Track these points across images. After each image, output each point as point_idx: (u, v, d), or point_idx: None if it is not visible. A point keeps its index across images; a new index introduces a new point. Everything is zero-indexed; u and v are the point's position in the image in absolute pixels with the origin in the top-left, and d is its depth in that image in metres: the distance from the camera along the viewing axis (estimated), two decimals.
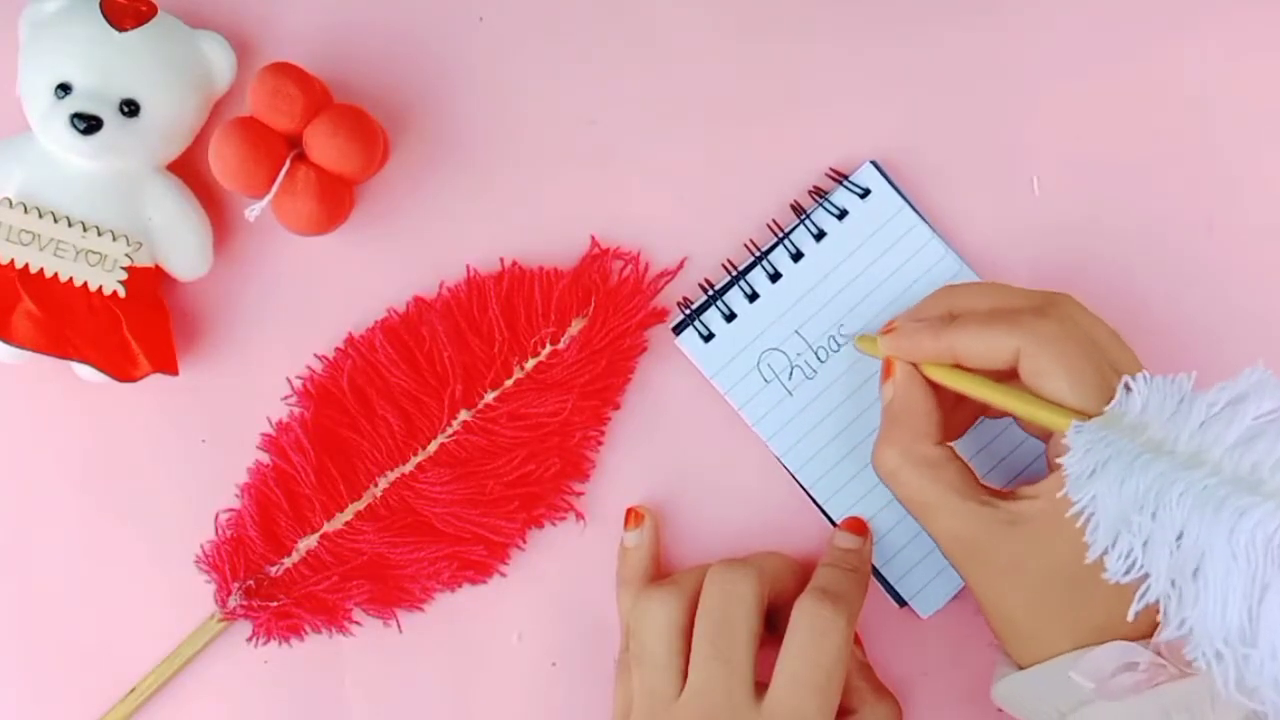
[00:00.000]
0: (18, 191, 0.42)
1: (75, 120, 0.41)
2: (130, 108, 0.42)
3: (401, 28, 0.46)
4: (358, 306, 0.45)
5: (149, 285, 0.43)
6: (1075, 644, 0.35)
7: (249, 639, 0.44)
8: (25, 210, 0.42)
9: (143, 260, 0.43)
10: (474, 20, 0.46)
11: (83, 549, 0.45)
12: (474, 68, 0.46)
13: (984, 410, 0.41)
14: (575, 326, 0.44)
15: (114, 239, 0.42)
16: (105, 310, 0.42)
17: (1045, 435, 0.38)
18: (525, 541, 0.44)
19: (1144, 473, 0.30)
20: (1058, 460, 0.33)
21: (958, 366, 0.38)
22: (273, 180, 0.41)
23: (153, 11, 0.43)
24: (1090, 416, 0.34)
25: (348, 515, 0.44)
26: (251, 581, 0.43)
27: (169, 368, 0.43)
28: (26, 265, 0.42)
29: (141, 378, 0.43)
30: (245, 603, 0.43)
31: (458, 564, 0.44)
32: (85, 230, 0.42)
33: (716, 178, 0.45)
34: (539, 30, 0.46)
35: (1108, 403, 0.34)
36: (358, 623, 0.44)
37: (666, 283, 0.45)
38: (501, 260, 0.45)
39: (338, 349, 0.45)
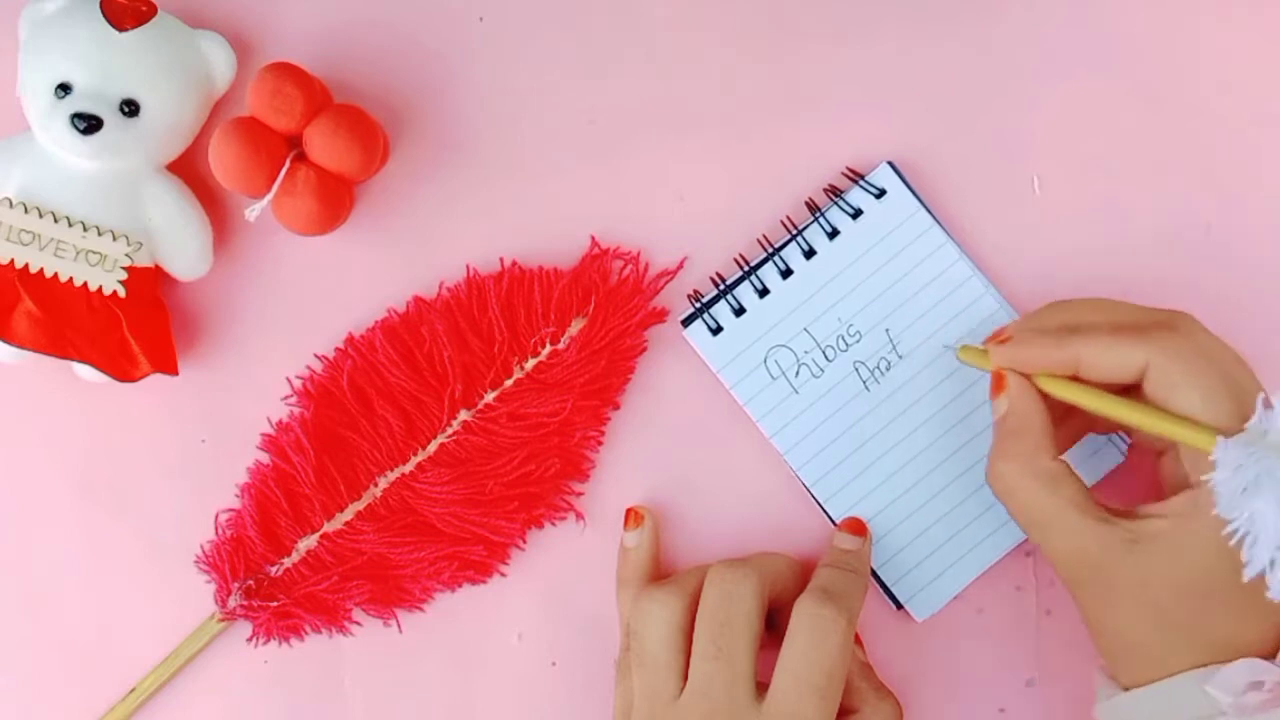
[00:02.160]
0: (18, 191, 0.42)
1: (75, 120, 0.41)
2: (130, 108, 0.42)
3: (401, 28, 0.46)
4: (358, 306, 0.45)
5: (149, 285, 0.43)
6: (1195, 662, 0.35)
7: (249, 639, 0.44)
8: (25, 210, 0.42)
9: (143, 260, 0.43)
10: (474, 20, 0.46)
11: (82, 548, 0.45)
12: (474, 68, 0.46)
13: (1091, 425, 0.41)
14: (575, 326, 0.44)
15: (114, 239, 0.42)
16: (105, 310, 0.42)
17: (1157, 452, 0.38)
18: (525, 541, 0.44)
19: None
20: (1204, 478, 0.33)
21: (1075, 380, 0.37)
22: (272, 180, 0.41)
23: (153, 11, 0.43)
24: (1227, 433, 0.33)
25: (348, 515, 0.44)
26: (251, 581, 0.43)
27: (169, 368, 0.43)
28: (26, 265, 0.42)
29: (141, 378, 0.43)
30: (245, 603, 0.43)
31: (458, 564, 0.44)
32: (85, 230, 0.42)
33: (719, 177, 0.45)
34: (539, 30, 0.46)
35: (1239, 419, 0.33)
36: (358, 623, 0.44)
37: (666, 283, 0.45)
38: (501, 260, 0.45)
39: (338, 349, 0.45)
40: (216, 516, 0.44)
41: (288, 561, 0.44)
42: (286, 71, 0.41)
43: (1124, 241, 0.45)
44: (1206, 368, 0.35)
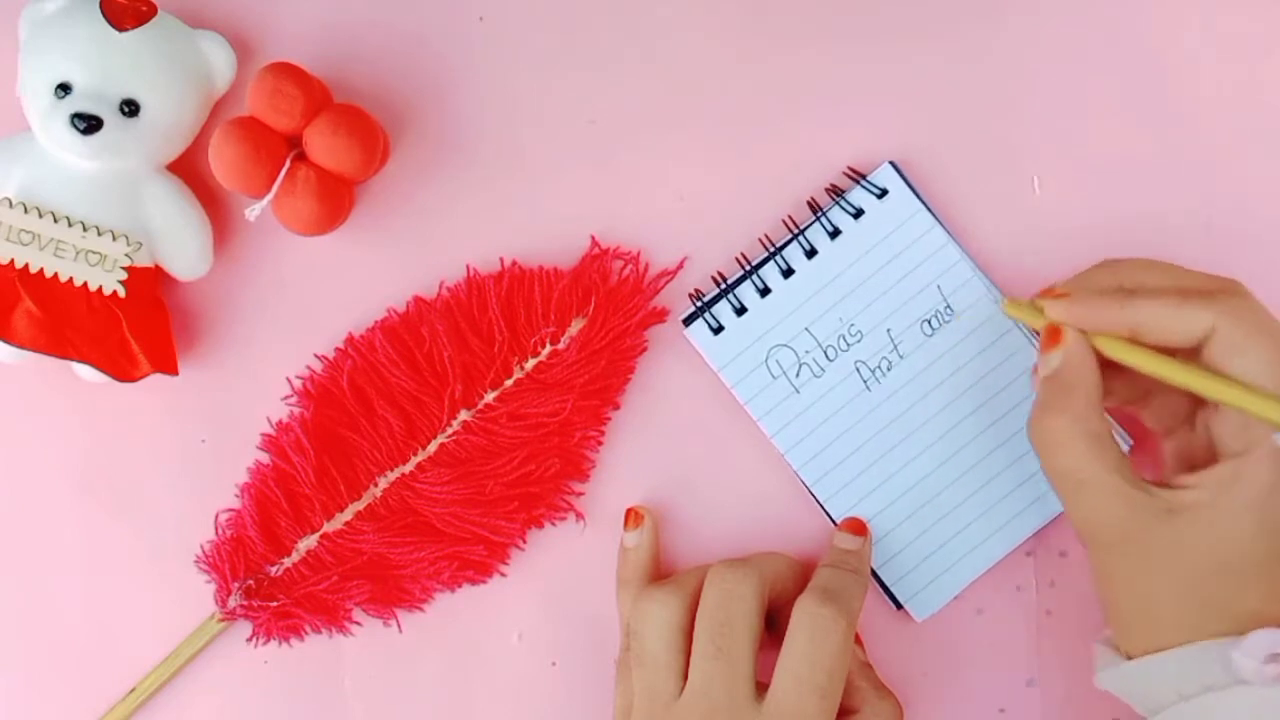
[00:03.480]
0: (17, 191, 0.42)
1: (75, 120, 0.41)
2: (130, 108, 0.42)
3: (402, 27, 0.46)
4: (358, 306, 0.45)
5: (149, 285, 0.43)
6: (1215, 632, 0.34)
7: (249, 639, 0.44)
8: (25, 210, 0.42)
9: (142, 260, 0.43)
10: (474, 20, 0.46)
11: (82, 548, 0.45)
12: (474, 67, 0.46)
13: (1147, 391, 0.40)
14: (575, 326, 0.44)
15: (114, 239, 0.42)
16: (105, 310, 0.42)
17: (1166, 429, 0.38)
18: (525, 541, 0.44)
19: None
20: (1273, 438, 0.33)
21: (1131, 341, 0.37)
22: (273, 180, 0.41)
23: (153, 11, 0.43)
24: None
25: (348, 515, 0.44)
26: (251, 581, 0.43)
27: (169, 367, 0.43)
28: (26, 265, 0.42)
29: (141, 377, 0.43)
30: (245, 603, 0.43)
31: (458, 564, 0.44)
32: (85, 230, 0.42)
33: (719, 177, 0.45)
34: (539, 29, 0.46)
35: None
36: (358, 623, 0.44)
37: (666, 283, 0.45)
38: (501, 260, 0.45)
39: (338, 349, 0.45)
40: (216, 516, 0.44)
41: (288, 561, 0.44)
42: (286, 71, 0.41)
43: (1124, 241, 0.45)
44: (1268, 335, 0.35)
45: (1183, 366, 0.36)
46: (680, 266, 0.45)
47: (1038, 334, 0.40)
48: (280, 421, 0.45)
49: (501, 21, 0.46)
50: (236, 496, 0.45)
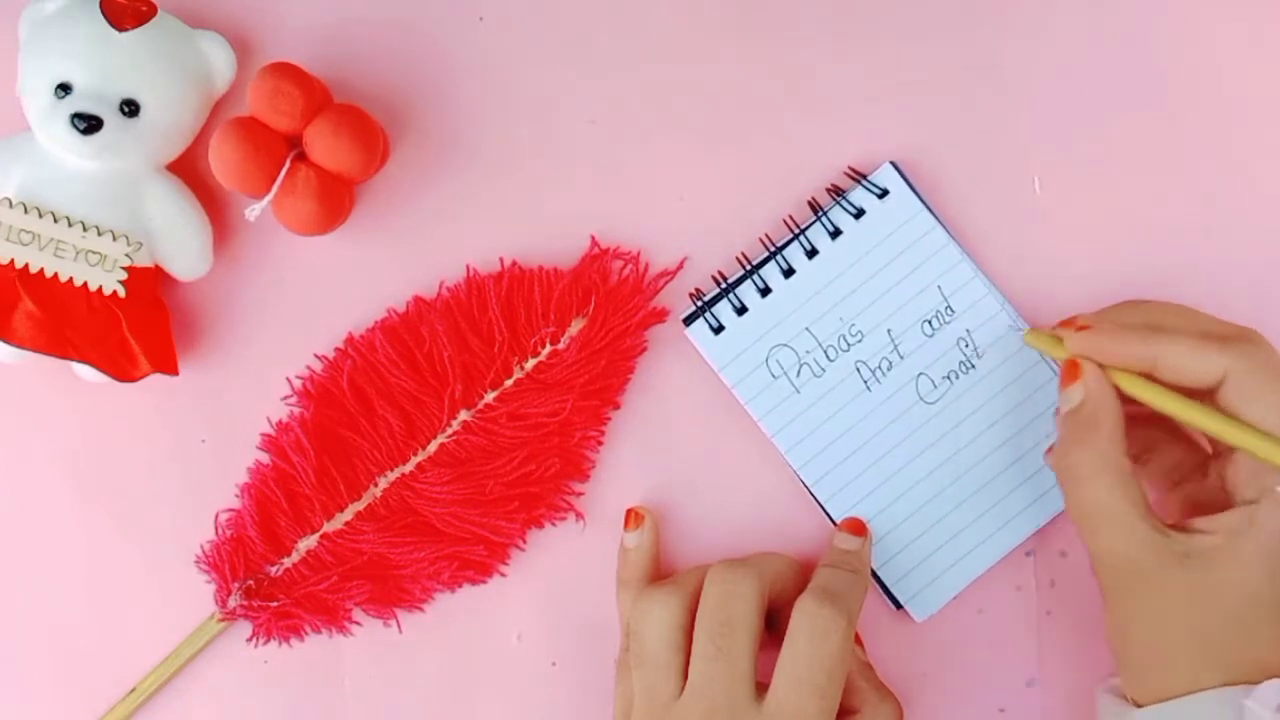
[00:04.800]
0: (17, 191, 0.42)
1: (75, 120, 0.41)
2: (130, 108, 0.42)
3: (402, 27, 0.46)
4: (358, 306, 0.45)
5: (149, 285, 0.43)
6: (1224, 681, 0.34)
7: (249, 639, 0.44)
8: (25, 210, 0.42)
9: (142, 260, 0.43)
10: (474, 20, 0.46)
11: (81, 548, 0.45)
12: (474, 68, 0.46)
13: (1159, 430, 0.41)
14: (575, 326, 0.44)
15: (114, 239, 0.42)
16: (105, 310, 0.42)
17: (1173, 482, 0.38)
18: (525, 541, 0.44)
19: None
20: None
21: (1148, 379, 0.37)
22: (273, 180, 0.41)
23: (153, 11, 0.43)
24: None
25: (348, 515, 0.44)
26: (251, 581, 0.43)
27: (169, 368, 0.43)
28: (26, 265, 0.42)
29: (141, 377, 0.43)
30: (245, 603, 0.43)
31: (458, 564, 0.44)
32: (85, 230, 0.42)
33: (720, 177, 0.45)
34: (540, 30, 0.46)
35: None
36: (358, 623, 0.44)
37: (666, 282, 0.45)
38: (501, 260, 0.45)
39: (337, 349, 0.45)
40: (216, 516, 0.44)
41: (288, 561, 0.44)
42: (286, 71, 0.41)
43: (1123, 241, 0.45)
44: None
45: (1200, 407, 0.36)
46: (680, 266, 0.45)
47: (1058, 362, 0.40)
48: (280, 421, 0.45)
49: (502, 22, 0.46)
50: (236, 497, 0.45)
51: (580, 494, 0.45)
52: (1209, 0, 0.45)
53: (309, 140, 0.41)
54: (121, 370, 0.42)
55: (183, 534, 0.45)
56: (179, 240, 0.43)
